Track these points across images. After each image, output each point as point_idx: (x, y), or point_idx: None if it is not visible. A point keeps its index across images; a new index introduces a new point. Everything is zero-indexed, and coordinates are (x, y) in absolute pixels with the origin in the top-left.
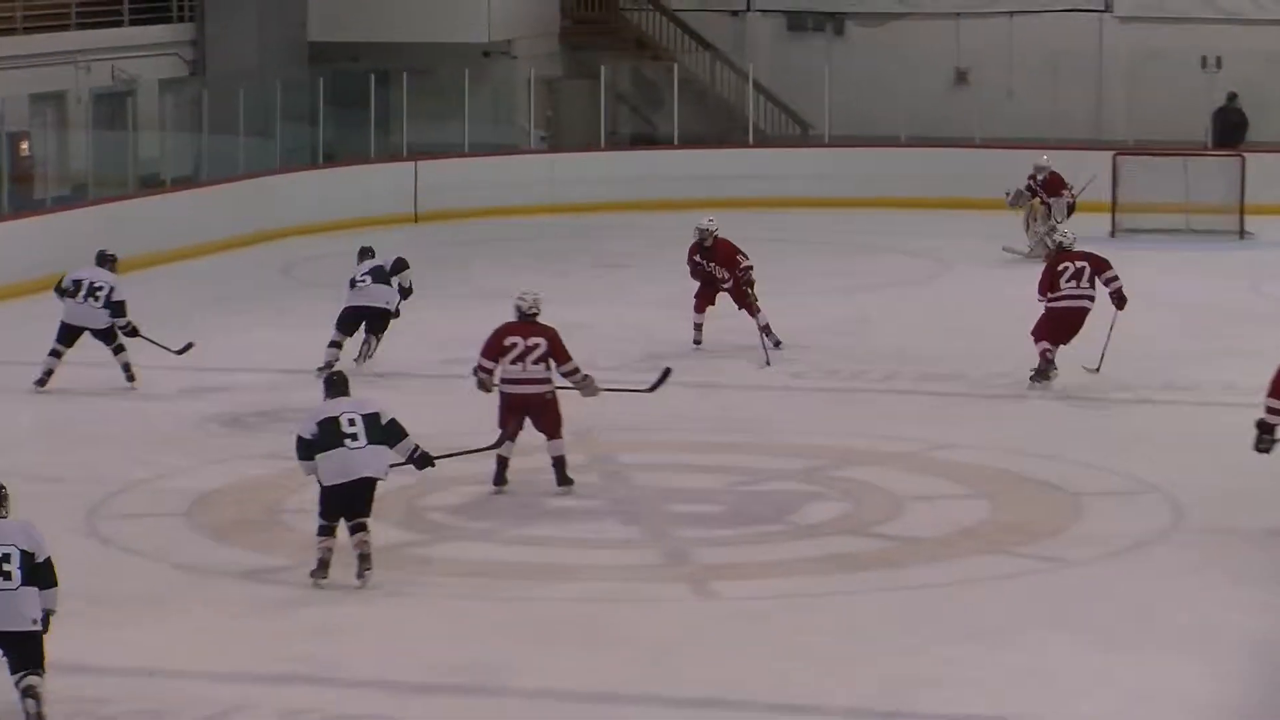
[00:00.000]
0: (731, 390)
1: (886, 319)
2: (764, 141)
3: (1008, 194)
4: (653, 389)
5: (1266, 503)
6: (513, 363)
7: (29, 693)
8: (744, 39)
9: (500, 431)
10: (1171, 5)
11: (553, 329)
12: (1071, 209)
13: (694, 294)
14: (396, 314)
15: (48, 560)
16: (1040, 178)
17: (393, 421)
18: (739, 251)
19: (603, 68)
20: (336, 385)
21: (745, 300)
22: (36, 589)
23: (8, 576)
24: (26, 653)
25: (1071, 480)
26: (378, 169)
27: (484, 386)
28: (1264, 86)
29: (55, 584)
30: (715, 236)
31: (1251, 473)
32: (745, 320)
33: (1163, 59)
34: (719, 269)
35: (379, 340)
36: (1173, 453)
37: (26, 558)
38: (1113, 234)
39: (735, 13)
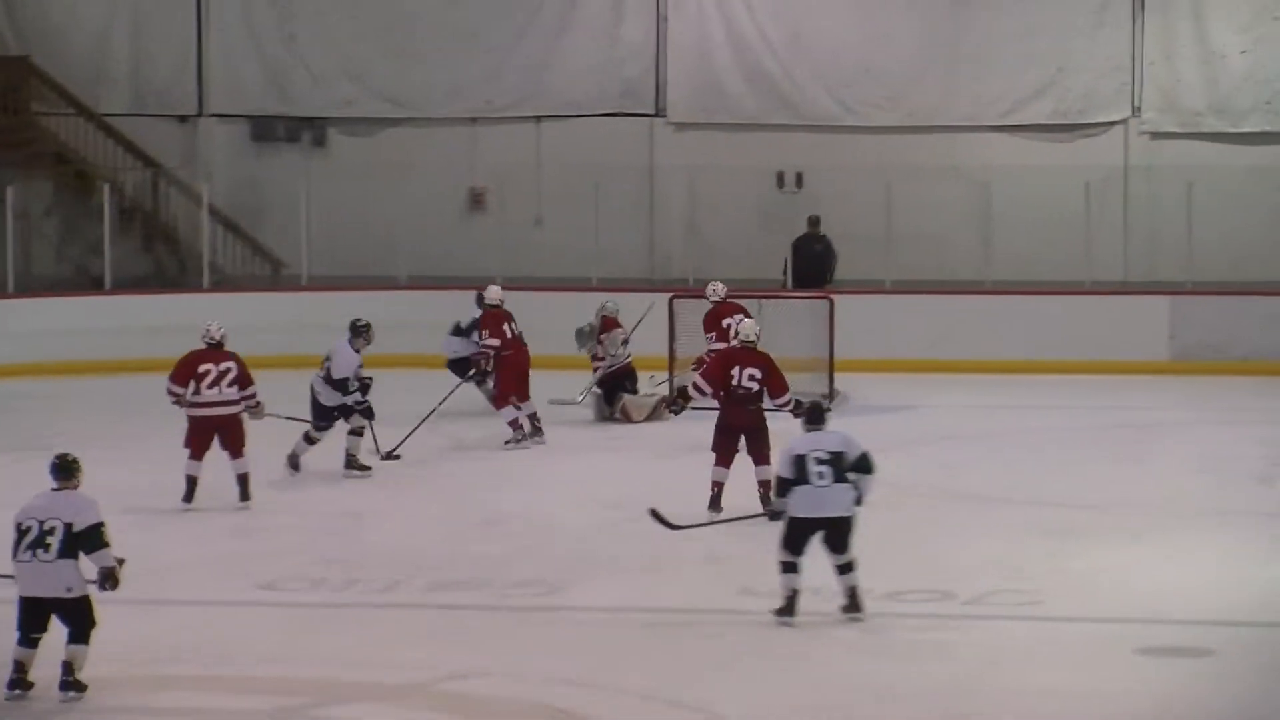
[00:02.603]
0: (181, 608)
1: (384, 512)
2: (224, 284)
3: (579, 333)
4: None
5: None
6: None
7: (65, 668)
8: (196, 152)
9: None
10: (738, 107)
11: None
12: (626, 342)
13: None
14: None
15: (89, 527)
16: (597, 319)
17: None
18: None
19: (9, 189)
20: None
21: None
22: (74, 560)
23: (47, 549)
24: (72, 620)
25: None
26: None
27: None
28: (852, 209)
29: (103, 546)
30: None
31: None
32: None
33: (729, 175)
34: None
35: None
36: (748, 679)
37: (68, 529)
38: (672, 404)
39: (184, 118)
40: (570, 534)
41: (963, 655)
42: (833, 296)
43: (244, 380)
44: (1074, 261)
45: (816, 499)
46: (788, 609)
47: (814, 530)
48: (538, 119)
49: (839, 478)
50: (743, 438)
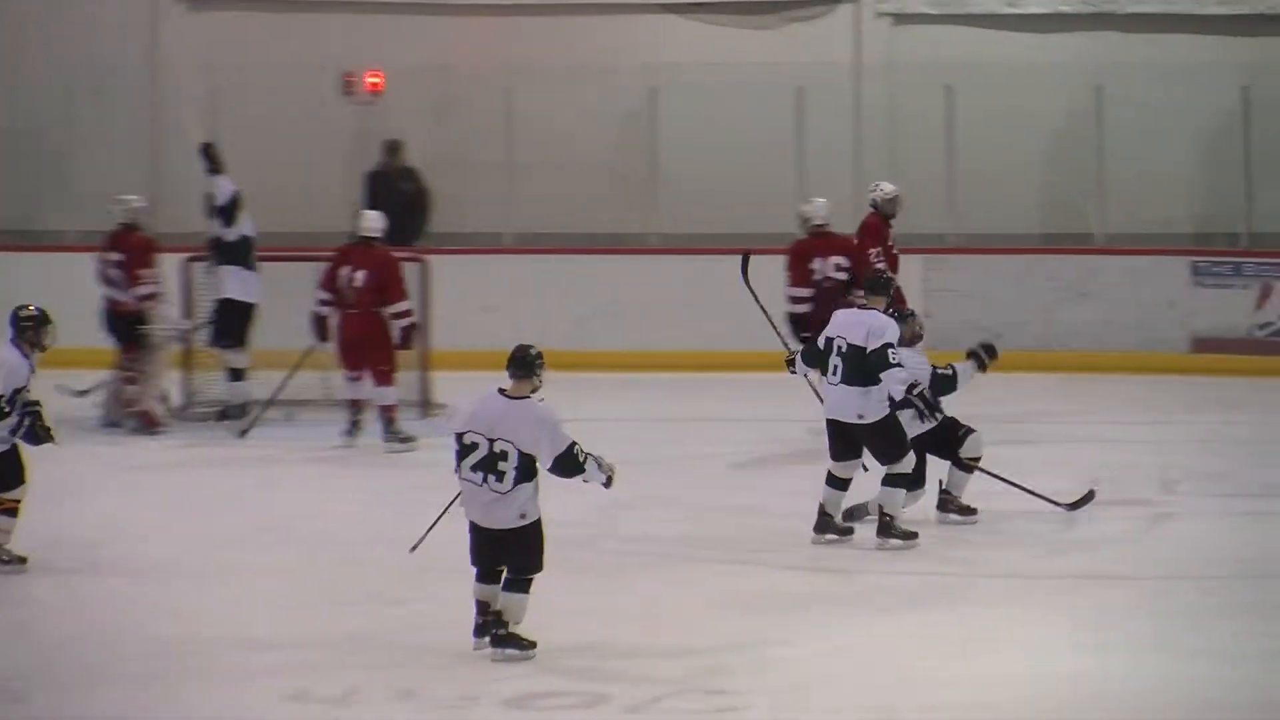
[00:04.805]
0: None
1: None
2: None
3: None
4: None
5: None
6: None
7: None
8: None
9: None
10: None
11: None
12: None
13: None
14: None
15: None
16: None
17: None
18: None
19: None
20: None
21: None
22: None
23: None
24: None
25: None
26: None
27: None
28: (456, 131)
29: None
30: None
31: None
32: None
33: (267, 73)
34: None
35: None
36: None
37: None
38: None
39: None
40: None
41: None
42: (426, 257)
43: None
44: (782, 205)
45: (828, 396)
46: (817, 523)
47: (834, 432)
48: None
49: (850, 377)
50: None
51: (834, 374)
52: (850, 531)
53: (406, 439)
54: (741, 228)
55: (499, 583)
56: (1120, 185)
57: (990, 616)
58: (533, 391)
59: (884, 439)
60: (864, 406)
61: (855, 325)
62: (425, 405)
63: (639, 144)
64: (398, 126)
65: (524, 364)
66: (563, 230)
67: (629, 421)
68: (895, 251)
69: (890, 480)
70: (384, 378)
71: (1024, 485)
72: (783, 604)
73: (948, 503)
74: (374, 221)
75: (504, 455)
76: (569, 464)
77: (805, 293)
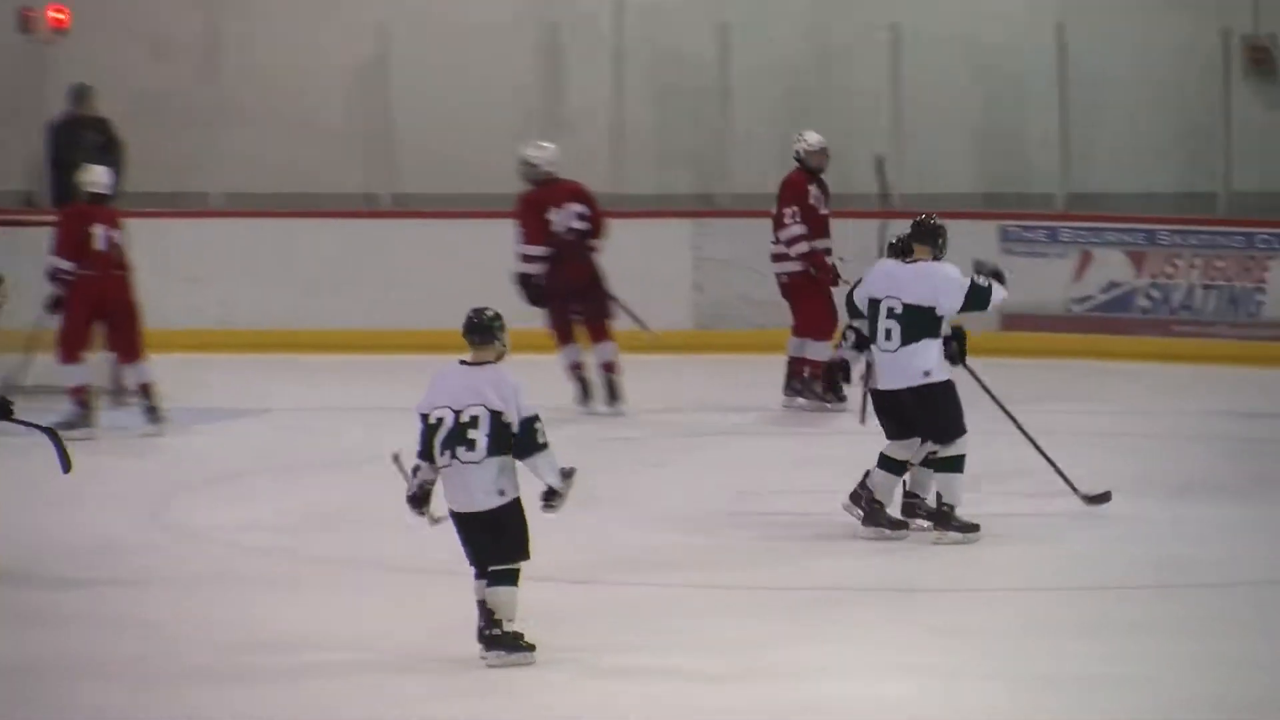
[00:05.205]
0: None
1: None
2: None
3: None
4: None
5: None
6: None
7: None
8: None
9: None
10: None
11: None
12: None
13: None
14: None
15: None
16: None
17: None
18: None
19: None
20: None
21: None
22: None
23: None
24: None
25: None
26: None
27: None
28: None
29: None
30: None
31: None
32: None
33: None
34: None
35: None
36: None
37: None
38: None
39: None
40: None
41: None
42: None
43: None
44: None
45: (880, 366)
46: (867, 514)
47: (885, 406)
48: None
49: (909, 337)
50: None
51: (887, 339)
52: (904, 526)
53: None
54: (490, 188)
55: None
56: (915, 140)
57: (796, 634)
58: (498, 359)
59: (944, 410)
60: (927, 362)
61: (911, 282)
62: (117, 393)
63: (371, 91)
64: (85, 70)
65: (483, 329)
66: (280, 190)
67: (359, 411)
68: (824, 213)
69: (950, 464)
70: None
71: (1053, 461)
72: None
73: (914, 508)
74: (99, 177)
75: (473, 422)
76: (529, 437)
77: (542, 250)
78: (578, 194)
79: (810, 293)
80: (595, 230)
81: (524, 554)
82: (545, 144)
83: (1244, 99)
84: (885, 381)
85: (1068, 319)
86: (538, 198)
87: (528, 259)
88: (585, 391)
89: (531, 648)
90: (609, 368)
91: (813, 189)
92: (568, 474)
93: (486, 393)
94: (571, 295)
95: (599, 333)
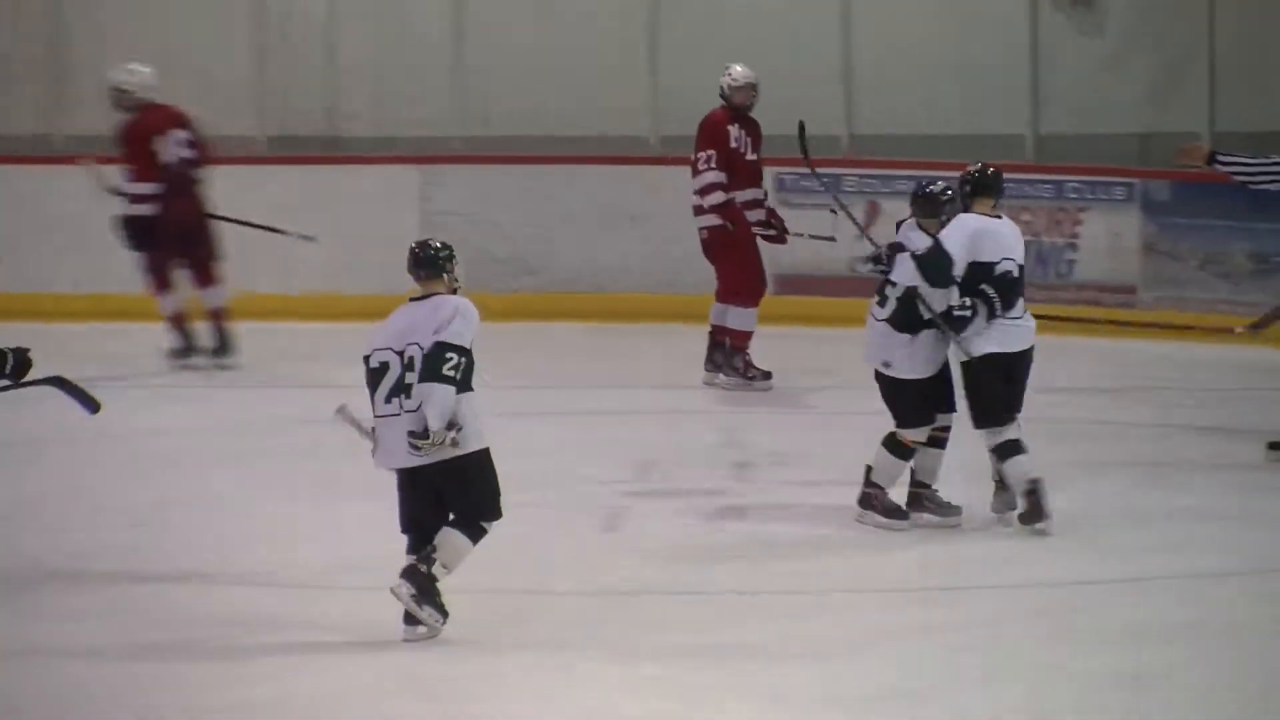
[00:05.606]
0: None
1: None
2: None
3: None
4: None
5: None
6: None
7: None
8: None
9: None
10: None
11: None
12: None
13: None
14: None
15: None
16: None
17: None
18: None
19: None
20: None
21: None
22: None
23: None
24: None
25: None
26: None
27: None
28: None
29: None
30: None
31: None
32: None
33: None
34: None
35: None
36: None
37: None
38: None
39: None
40: None
41: None
42: None
43: None
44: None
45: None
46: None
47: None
48: None
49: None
50: None
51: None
52: (957, 512)
53: None
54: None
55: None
56: (677, 86)
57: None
58: (451, 292)
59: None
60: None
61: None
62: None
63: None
64: None
65: (429, 262)
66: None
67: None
68: (751, 159)
69: (1006, 448)
70: None
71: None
72: None
73: (921, 499)
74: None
75: (410, 364)
76: (435, 361)
77: (153, 188)
78: (180, 120)
79: (733, 251)
80: (203, 159)
81: (492, 511)
82: (139, 67)
83: (1055, 30)
84: (1019, 344)
85: (852, 282)
86: (140, 126)
87: (137, 199)
88: (188, 343)
89: (444, 614)
90: (219, 314)
91: (734, 129)
92: (454, 427)
93: (421, 327)
94: (179, 235)
95: (206, 277)
